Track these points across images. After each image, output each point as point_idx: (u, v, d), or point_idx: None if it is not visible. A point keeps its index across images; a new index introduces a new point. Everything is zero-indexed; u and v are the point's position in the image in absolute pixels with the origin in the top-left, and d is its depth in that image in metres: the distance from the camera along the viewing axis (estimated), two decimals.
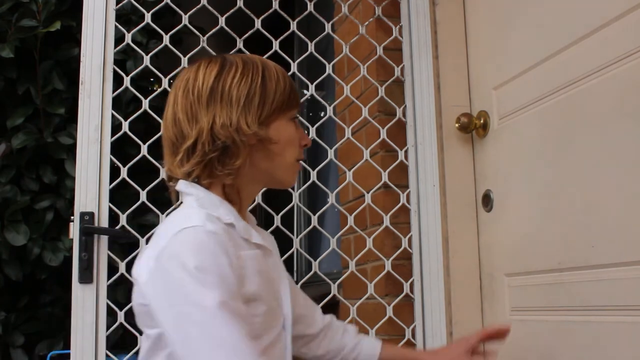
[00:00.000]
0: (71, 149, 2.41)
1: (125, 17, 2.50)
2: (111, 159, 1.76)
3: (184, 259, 1.02)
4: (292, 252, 1.86)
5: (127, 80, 1.86)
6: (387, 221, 1.92)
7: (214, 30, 1.93)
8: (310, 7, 2.02)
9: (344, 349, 1.45)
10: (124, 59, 2.48)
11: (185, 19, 1.95)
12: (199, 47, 1.91)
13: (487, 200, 1.87)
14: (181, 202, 1.20)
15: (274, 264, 1.24)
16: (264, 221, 1.83)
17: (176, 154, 1.15)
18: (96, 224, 1.71)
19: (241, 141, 1.12)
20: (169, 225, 1.10)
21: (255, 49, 1.93)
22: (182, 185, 1.16)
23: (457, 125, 1.94)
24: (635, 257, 1.36)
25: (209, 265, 1.02)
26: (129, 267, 1.77)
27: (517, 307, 1.75)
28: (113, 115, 1.79)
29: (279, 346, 1.19)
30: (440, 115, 1.96)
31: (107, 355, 1.68)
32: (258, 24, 1.95)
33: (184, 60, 1.92)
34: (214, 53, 1.92)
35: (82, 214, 1.70)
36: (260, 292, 1.12)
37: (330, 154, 1.95)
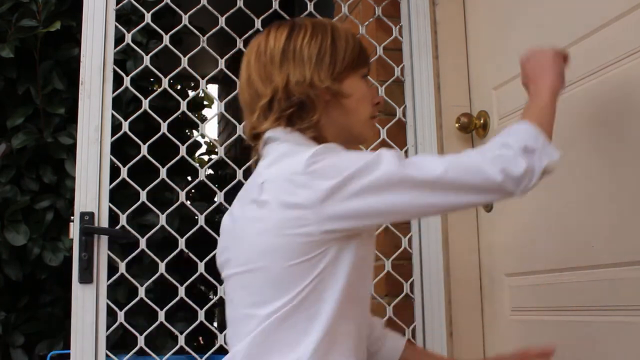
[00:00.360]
0: (71, 149, 2.41)
1: (125, 17, 2.50)
2: (111, 159, 1.76)
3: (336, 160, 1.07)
4: None
5: (127, 80, 1.86)
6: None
7: (214, 30, 1.93)
8: (310, 7, 2.03)
9: (372, 334, 1.40)
10: (124, 59, 2.48)
11: (185, 19, 1.95)
12: (199, 47, 1.91)
13: None
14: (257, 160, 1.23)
15: None
16: None
17: (253, 113, 1.20)
18: (96, 224, 1.71)
19: (316, 96, 1.16)
20: (292, 158, 1.10)
21: None
22: (278, 132, 1.17)
23: (457, 125, 1.94)
24: (635, 257, 1.36)
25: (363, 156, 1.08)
26: (129, 267, 1.78)
27: (517, 307, 1.75)
28: (113, 116, 1.79)
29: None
30: (440, 115, 1.96)
31: (107, 355, 1.68)
32: (258, 24, 1.95)
33: (184, 60, 1.92)
34: (214, 53, 1.93)
35: (82, 214, 1.70)
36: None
37: None
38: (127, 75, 1.86)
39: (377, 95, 1.30)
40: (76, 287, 1.68)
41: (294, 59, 1.18)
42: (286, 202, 1.08)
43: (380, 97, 1.30)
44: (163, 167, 1.82)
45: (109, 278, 1.72)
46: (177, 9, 1.97)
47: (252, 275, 1.12)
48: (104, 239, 1.72)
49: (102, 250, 1.71)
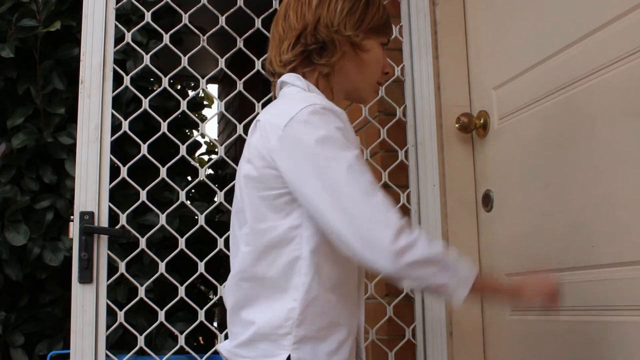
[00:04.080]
0: (71, 149, 2.41)
1: (125, 16, 2.50)
2: (111, 159, 1.76)
3: (313, 128, 1.16)
4: None
5: (127, 80, 1.86)
6: None
7: (214, 29, 1.93)
8: None
9: None
10: (124, 58, 2.48)
11: (185, 19, 1.95)
12: (199, 47, 1.91)
13: (487, 200, 1.87)
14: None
15: None
16: None
17: (281, 45, 1.33)
18: (96, 224, 1.71)
19: (338, 41, 1.30)
20: (290, 104, 1.22)
21: (255, 49, 1.94)
22: (288, 77, 1.31)
23: (457, 125, 1.94)
24: (635, 257, 1.36)
25: (337, 135, 1.17)
26: (129, 267, 1.78)
27: (517, 307, 1.75)
28: (113, 115, 1.79)
29: None
30: (440, 115, 1.96)
31: (106, 355, 1.68)
32: (258, 23, 1.95)
33: (184, 60, 1.92)
34: (214, 53, 1.93)
35: (82, 214, 1.70)
36: None
37: None
38: (127, 75, 1.86)
39: (388, 65, 1.41)
40: (76, 287, 1.68)
41: (328, 6, 1.31)
42: (264, 141, 1.20)
43: (391, 68, 1.42)
44: (163, 166, 1.82)
45: (108, 278, 1.72)
46: (177, 9, 1.97)
47: (247, 205, 1.25)
48: (104, 238, 1.72)
49: (102, 250, 1.71)
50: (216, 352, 1.80)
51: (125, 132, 1.82)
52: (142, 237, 1.80)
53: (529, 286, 1.29)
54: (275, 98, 1.38)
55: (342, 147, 1.16)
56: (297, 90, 1.28)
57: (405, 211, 1.93)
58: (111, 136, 1.77)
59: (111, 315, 1.71)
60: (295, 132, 1.17)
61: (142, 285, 1.79)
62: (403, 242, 1.12)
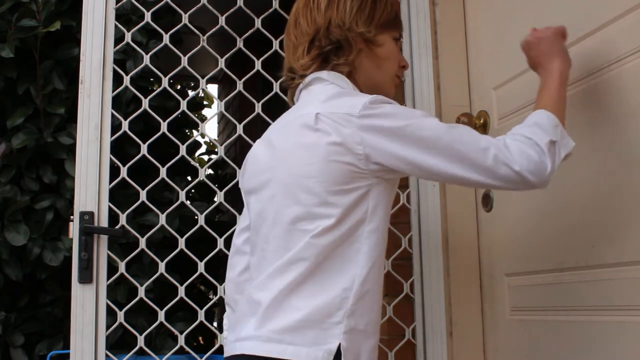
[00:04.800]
0: (71, 149, 2.41)
1: (125, 16, 2.50)
2: (111, 159, 1.76)
3: (389, 114, 1.23)
4: None
5: (127, 80, 1.86)
6: None
7: (214, 29, 1.93)
8: None
9: None
10: (123, 58, 2.48)
11: (185, 19, 1.95)
12: (199, 47, 1.91)
13: (487, 200, 1.87)
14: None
15: None
16: None
17: (296, 52, 1.35)
18: (96, 224, 1.71)
19: (352, 39, 1.32)
20: (351, 98, 1.25)
21: (255, 49, 1.94)
22: (326, 75, 1.32)
23: None
24: (635, 257, 1.36)
25: (407, 112, 1.28)
26: (128, 267, 1.78)
27: (517, 307, 1.75)
28: (113, 115, 1.79)
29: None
30: (440, 115, 1.96)
31: (106, 355, 1.68)
32: (258, 23, 1.95)
33: (184, 60, 1.92)
34: (214, 53, 1.93)
35: (82, 214, 1.70)
36: None
37: None
38: (127, 75, 1.86)
39: (403, 59, 1.44)
40: (76, 287, 1.68)
41: (337, 7, 1.33)
42: (339, 133, 1.20)
43: (406, 62, 1.45)
44: (163, 167, 1.82)
45: (108, 278, 1.72)
46: (177, 9, 1.97)
47: (299, 193, 1.24)
48: (104, 238, 1.72)
49: (101, 250, 1.71)
50: (216, 352, 1.80)
51: (125, 132, 1.82)
52: (142, 237, 1.80)
53: (555, 54, 1.38)
54: (292, 100, 1.40)
55: (419, 115, 1.26)
56: (341, 89, 1.30)
57: (405, 211, 1.93)
58: (111, 136, 1.77)
59: (111, 315, 1.71)
60: (376, 120, 1.22)
61: (142, 285, 1.79)
62: (536, 153, 1.23)
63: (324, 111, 1.23)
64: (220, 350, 1.77)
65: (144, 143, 1.82)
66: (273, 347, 1.17)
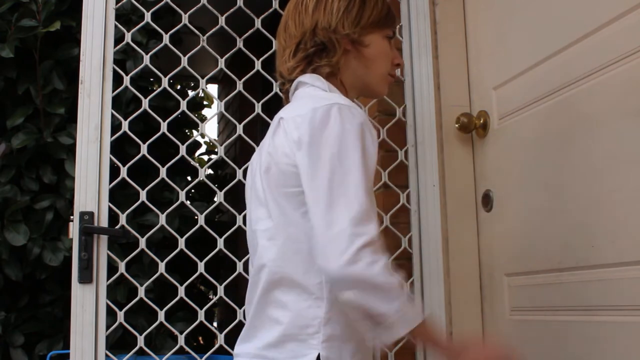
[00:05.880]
0: (71, 149, 2.41)
1: (125, 16, 2.49)
2: (111, 159, 1.76)
3: (336, 133, 1.16)
4: None
5: (127, 80, 1.86)
6: (387, 221, 1.91)
7: (214, 30, 1.93)
8: None
9: None
10: (123, 58, 2.48)
11: (185, 19, 1.95)
12: (198, 47, 1.91)
13: (487, 200, 1.87)
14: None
15: None
16: None
17: (283, 55, 1.35)
18: (96, 224, 1.71)
19: (337, 41, 1.31)
20: (315, 100, 1.22)
21: (255, 49, 1.94)
22: (308, 77, 1.31)
23: (457, 125, 1.94)
24: (635, 257, 1.36)
25: (355, 147, 1.16)
26: (128, 267, 1.78)
27: (517, 307, 1.75)
28: (113, 115, 1.79)
29: None
30: (440, 115, 1.96)
31: (106, 355, 1.68)
32: (258, 23, 1.95)
33: (184, 60, 1.92)
34: (214, 53, 1.93)
35: (82, 214, 1.70)
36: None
37: None
38: (127, 75, 1.86)
39: (398, 57, 1.41)
40: (76, 287, 1.68)
41: (324, 9, 1.32)
42: (288, 138, 1.21)
43: (401, 60, 1.42)
44: (163, 167, 1.82)
45: (108, 278, 1.71)
46: (177, 9, 1.97)
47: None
48: (104, 238, 1.72)
49: (101, 250, 1.71)
50: (216, 352, 1.80)
51: (125, 132, 1.82)
52: (142, 237, 1.80)
53: (471, 355, 1.20)
54: (287, 103, 1.39)
55: (353, 147, 1.16)
56: (316, 89, 1.30)
57: (405, 211, 1.93)
58: (111, 136, 1.77)
59: (111, 315, 1.71)
60: (316, 128, 1.18)
61: (142, 285, 1.79)
62: (365, 253, 1.09)
63: (284, 115, 1.25)
64: (220, 350, 1.78)
65: (144, 143, 1.82)
66: None
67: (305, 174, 1.17)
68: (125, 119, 1.84)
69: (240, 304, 1.52)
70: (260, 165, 1.28)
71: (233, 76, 1.95)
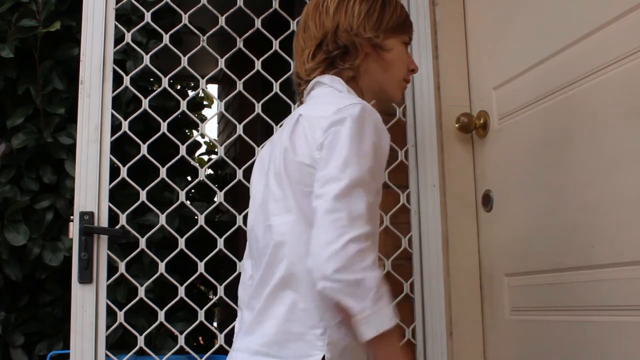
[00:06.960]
0: (71, 149, 2.41)
1: (125, 16, 2.49)
2: (111, 159, 1.76)
3: (356, 129, 1.16)
4: None
5: (127, 80, 1.86)
6: (387, 221, 1.92)
7: (214, 30, 1.93)
8: None
9: None
10: (123, 58, 2.48)
11: (185, 19, 1.95)
12: (198, 47, 1.91)
13: (487, 200, 1.87)
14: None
15: None
16: None
17: (303, 55, 1.35)
18: (96, 224, 1.71)
19: (359, 44, 1.32)
20: (337, 100, 1.22)
21: (255, 49, 1.94)
22: (326, 79, 1.32)
23: (457, 125, 1.94)
24: (635, 257, 1.36)
25: (371, 143, 1.17)
26: (128, 267, 1.78)
27: (517, 307, 1.75)
28: (113, 115, 1.79)
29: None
30: (440, 115, 1.96)
31: (106, 355, 1.68)
32: (258, 23, 1.95)
33: (184, 60, 1.92)
34: (214, 53, 1.93)
35: (82, 214, 1.70)
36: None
37: None
38: (127, 75, 1.86)
39: (413, 63, 1.42)
40: (76, 287, 1.68)
41: (345, 11, 1.33)
42: (306, 138, 1.21)
43: (415, 65, 1.43)
44: (163, 167, 1.82)
45: (108, 278, 1.72)
46: (177, 9, 1.97)
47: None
48: (104, 238, 1.72)
49: (101, 250, 1.71)
50: (216, 352, 1.80)
51: (125, 132, 1.82)
52: (142, 237, 1.80)
53: None
54: (301, 103, 1.39)
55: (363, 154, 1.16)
56: (333, 90, 1.30)
57: (405, 211, 1.93)
58: (111, 136, 1.77)
59: (111, 315, 1.71)
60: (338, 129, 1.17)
61: (142, 285, 1.79)
62: (353, 245, 1.09)
63: (304, 113, 1.24)
64: (220, 350, 1.77)
65: (144, 143, 1.82)
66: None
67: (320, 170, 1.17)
68: (125, 119, 1.84)
69: None
70: (274, 161, 1.26)
71: (233, 76, 1.95)
